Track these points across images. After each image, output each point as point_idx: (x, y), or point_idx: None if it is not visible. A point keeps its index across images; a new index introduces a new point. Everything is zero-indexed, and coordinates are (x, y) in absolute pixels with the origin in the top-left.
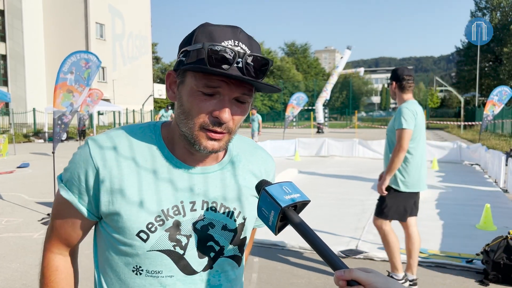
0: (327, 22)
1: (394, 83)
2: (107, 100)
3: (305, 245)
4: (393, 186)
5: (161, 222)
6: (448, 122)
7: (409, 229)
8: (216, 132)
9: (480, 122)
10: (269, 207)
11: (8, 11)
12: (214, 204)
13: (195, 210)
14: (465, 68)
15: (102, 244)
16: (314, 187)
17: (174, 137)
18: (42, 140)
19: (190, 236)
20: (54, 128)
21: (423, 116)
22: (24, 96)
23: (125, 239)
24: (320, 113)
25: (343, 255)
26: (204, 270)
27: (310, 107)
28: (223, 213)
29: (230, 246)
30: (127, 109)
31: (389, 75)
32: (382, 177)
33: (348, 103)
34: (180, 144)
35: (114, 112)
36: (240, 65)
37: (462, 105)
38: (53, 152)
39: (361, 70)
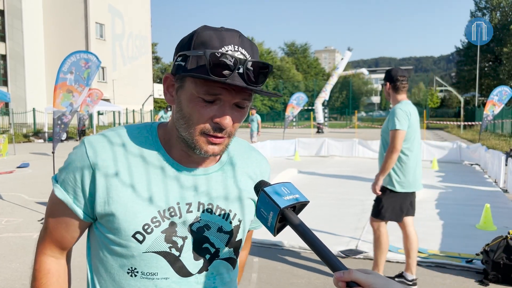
0: (327, 22)
1: (388, 84)
2: (107, 100)
3: (305, 245)
4: (389, 187)
5: (157, 223)
6: (448, 122)
7: (406, 229)
8: (216, 137)
9: (480, 122)
10: (268, 208)
11: (8, 11)
12: (210, 206)
13: (191, 211)
14: (465, 68)
15: (96, 245)
16: (314, 187)
17: (171, 139)
18: (42, 140)
19: (186, 237)
20: (54, 128)
21: (417, 116)
22: (24, 96)
23: (120, 240)
24: (320, 113)
25: (343, 255)
26: (199, 272)
27: (310, 107)
28: (219, 215)
29: (226, 249)
30: (127, 109)
31: None
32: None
33: (348, 103)
34: (178, 146)
35: (114, 112)
36: (241, 71)
37: (462, 105)
38: (53, 152)
39: (364, 71)
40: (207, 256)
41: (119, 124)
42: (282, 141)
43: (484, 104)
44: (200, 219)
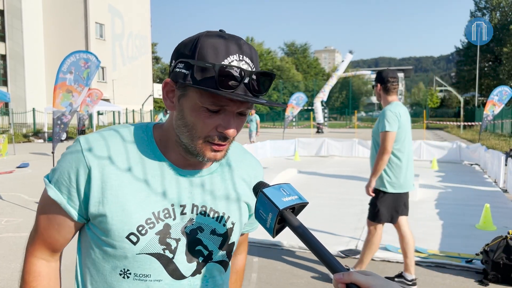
0: (327, 22)
1: (379, 85)
2: (107, 100)
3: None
4: (381, 189)
5: (151, 225)
6: (448, 122)
7: (401, 229)
8: (220, 145)
9: (480, 123)
10: (267, 210)
11: (8, 11)
12: (204, 208)
13: (185, 213)
14: (465, 68)
15: (88, 246)
16: (314, 187)
17: (168, 141)
18: (41, 140)
19: (179, 239)
20: (53, 128)
21: (408, 117)
22: (24, 96)
23: (114, 242)
24: (319, 113)
25: (343, 255)
26: (192, 275)
27: (309, 107)
28: (213, 217)
29: (219, 251)
30: (126, 109)
31: None
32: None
33: (347, 103)
34: (175, 150)
35: (113, 112)
36: (246, 81)
37: (461, 105)
38: (52, 152)
39: (366, 72)
40: (201, 259)
41: (119, 124)
42: (282, 141)
43: (484, 104)
44: (194, 221)
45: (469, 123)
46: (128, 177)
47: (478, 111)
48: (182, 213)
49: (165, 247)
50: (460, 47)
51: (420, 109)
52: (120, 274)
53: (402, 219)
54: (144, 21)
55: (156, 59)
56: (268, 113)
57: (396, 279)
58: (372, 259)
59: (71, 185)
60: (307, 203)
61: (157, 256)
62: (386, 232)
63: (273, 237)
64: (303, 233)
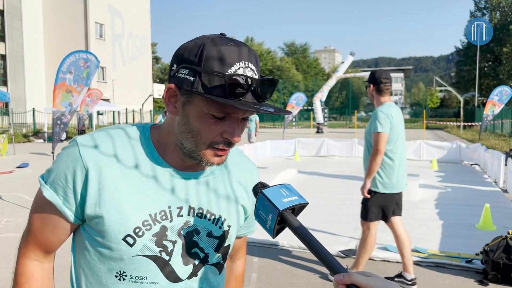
0: (326, 22)
1: (371, 86)
2: (107, 100)
3: None
4: (373, 189)
5: (148, 227)
6: (448, 122)
7: (395, 229)
8: (224, 150)
9: (480, 123)
10: (267, 210)
11: (7, 11)
12: (200, 210)
13: (182, 215)
14: (465, 68)
15: (83, 247)
16: (314, 187)
17: (167, 144)
18: (41, 140)
19: (176, 242)
20: (53, 128)
21: (400, 118)
22: (24, 96)
23: (110, 243)
24: (319, 113)
25: (343, 255)
26: (189, 277)
27: (309, 107)
28: (209, 219)
29: (215, 254)
30: (126, 109)
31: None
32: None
33: (347, 103)
34: (174, 152)
35: (113, 112)
36: (252, 88)
37: (461, 105)
38: (52, 152)
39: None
40: (197, 261)
41: (119, 124)
42: (282, 141)
43: (483, 104)
44: (190, 224)
45: (469, 123)
46: (125, 178)
47: (478, 111)
48: (179, 215)
49: (161, 249)
50: (460, 47)
51: (420, 109)
52: (116, 276)
53: (395, 219)
54: (144, 21)
55: (156, 59)
56: None
57: (395, 279)
58: (372, 259)
59: (67, 186)
60: (307, 203)
61: (154, 258)
62: (385, 232)
63: (273, 237)
64: (303, 234)
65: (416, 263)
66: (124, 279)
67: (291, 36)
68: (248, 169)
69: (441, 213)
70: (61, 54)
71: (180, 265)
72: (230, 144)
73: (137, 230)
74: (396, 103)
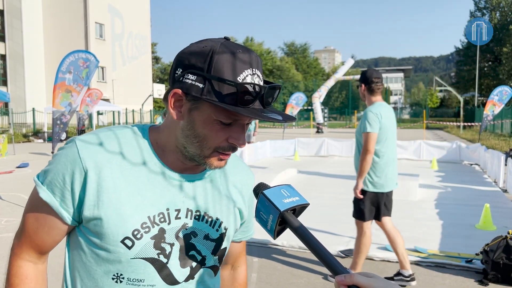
0: (326, 22)
1: (363, 85)
2: (107, 100)
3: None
4: (363, 188)
5: (147, 229)
6: (448, 122)
7: (386, 228)
8: (228, 154)
9: (480, 123)
10: (268, 211)
11: (7, 11)
12: (198, 213)
13: (179, 218)
14: (465, 68)
15: (78, 248)
16: (314, 187)
17: (165, 145)
18: (41, 140)
19: (173, 244)
20: (53, 128)
21: (391, 117)
22: (24, 96)
23: (107, 246)
24: (319, 113)
25: (343, 255)
26: (186, 280)
27: (309, 107)
28: (206, 222)
29: (212, 256)
30: (126, 109)
31: (388, 75)
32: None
33: (347, 103)
34: (173, 154)
35: (113, 112)
36: (260, 95)
37: (461, 105)
38: (52, 152)
39: None
40: (194, 264)
41: (119, 124)
42: (282, 141)
43: (483, 104)
44: (188, 226)
45: (469, 123)
46: (125, 179)
47: (478, 111)
48: (177, 218)
49: (159, 251)
50: (460, 47)
51: (420, 109)
52: (113, 279)
53: (385, 219)
54: (144, 21)
55: (156, 59)
56: None
57: (395, 278)
58: (372, 259)
59: (65, 188)
60: (308, 204)
61: (152, 261)
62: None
63: (274, 238)
64: (304, 235)
65: (416, 263)
66: (121, 282)
67: (291, 36)
68: (244, 173)
69: (441, 213)
70: (61, 54)
71: (177, 267)
72: (234, 149)
73: (135, 233)
74: (396, 103)
